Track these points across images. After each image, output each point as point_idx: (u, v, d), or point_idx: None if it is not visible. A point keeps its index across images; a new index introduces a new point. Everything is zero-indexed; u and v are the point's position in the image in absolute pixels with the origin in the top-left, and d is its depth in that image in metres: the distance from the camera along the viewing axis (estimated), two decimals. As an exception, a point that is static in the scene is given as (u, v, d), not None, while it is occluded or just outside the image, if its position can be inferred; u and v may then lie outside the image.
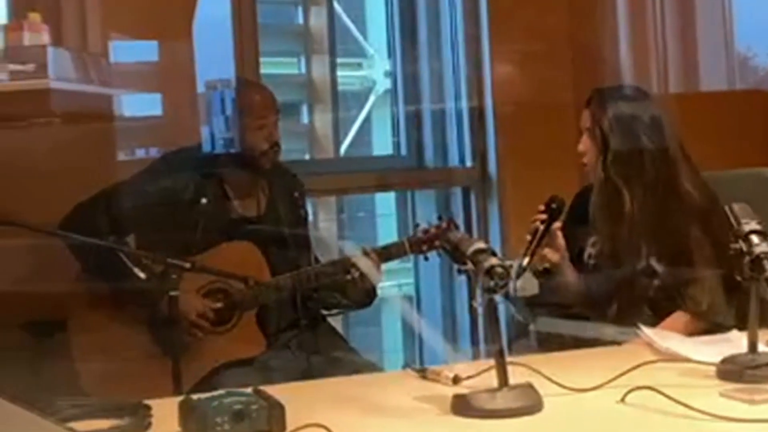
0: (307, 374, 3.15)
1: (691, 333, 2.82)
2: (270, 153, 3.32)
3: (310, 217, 3.74)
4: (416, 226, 3.37)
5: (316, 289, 3.32)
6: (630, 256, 2.98)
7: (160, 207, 3.23)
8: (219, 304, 3.21)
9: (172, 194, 3.25)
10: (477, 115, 4.53)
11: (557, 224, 2.96)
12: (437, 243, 3.20)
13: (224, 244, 3.25)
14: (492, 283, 2.08)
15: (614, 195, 2.99)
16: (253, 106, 3.36)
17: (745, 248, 2.29)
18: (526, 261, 2.88)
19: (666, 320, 2.91)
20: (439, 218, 3.38)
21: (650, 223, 2.97)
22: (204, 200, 3.27)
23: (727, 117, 4.35)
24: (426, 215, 4.48)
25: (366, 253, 3.26)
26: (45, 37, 3.25)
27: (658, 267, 2.97)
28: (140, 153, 3.82)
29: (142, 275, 2.93)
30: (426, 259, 3.38)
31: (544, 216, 2.95)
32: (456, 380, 2.33)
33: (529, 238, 2.93)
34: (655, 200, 2.98)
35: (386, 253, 3.32)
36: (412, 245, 3.32)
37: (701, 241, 2.93)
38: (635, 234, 2.97)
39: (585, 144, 3.05)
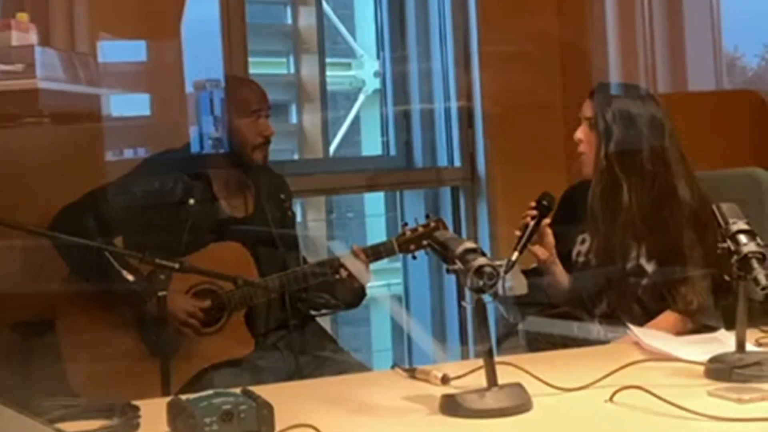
0: (296, 374, 3.14)
1: (679, 333, 2.83)
2: (263, 147, 3.32)
3: (299, 218, 3.74)
4: (404, 225, 3.37)
5: (305, 289, 3.31)
6: (624, 251, 2.99)
7: (148, 208, 3.22)
8: (207, 302, 3.20)
9: (159, 195, 3.25)
10: (466, 116, 4.53)
11: (547, 221, 2.96)
12: (425, 242, 3.20)
13: (212, 244, 3.24)
14: (481, 283, 2.08)
15: (613, 186, 3.00)
16: (246, 100, 3.37)
17: (733, 247, 2.30)
18: (515, 256, 2.88)
19: (655, 319, 2.92)
20: (427, 217, 3.38)
21: (645, 219, 2.98)
22: (192, 201, 3.26)
23: (715, 117, 4.36)
24: (415, 215, 4.48)
25: (355, 254, 3.26)
26: (33, 37, 3.23)
27: (648, 265, 2.98)
28: (129, 153, 3.81)
29: (129, 278, 2.93)
30: (414, 258, 3.38)
31: (534, 212, 2.96)
32: (445, 380, 2.33)
33: (518, 233, 2.94)
34: (650, 197, 2.99)
35: (375, 253, 3.32)
36: (401, 245, 3.32)
37: (693, 242, 2.94)
38: (631, 228, 2.98)
39: (584, 132, 3.06)
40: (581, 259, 3.07)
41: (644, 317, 2.93)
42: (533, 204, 2.96)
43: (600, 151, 3.01)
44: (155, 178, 3.29)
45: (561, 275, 3.03)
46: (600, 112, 3.03)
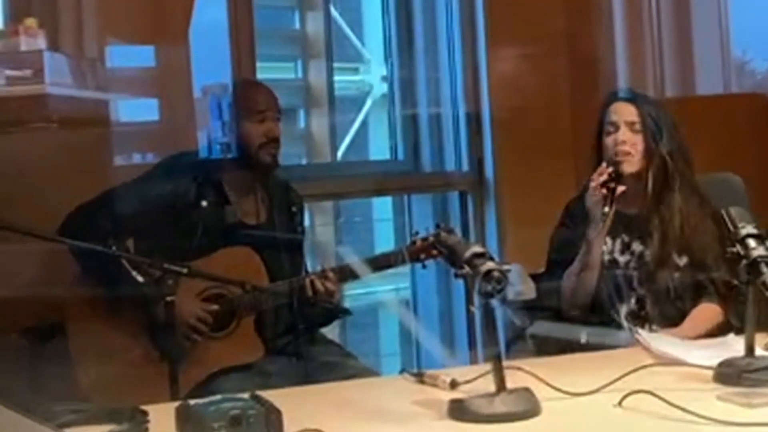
0: (305, 379, 3.14)
1: (718, 324, 2.84)
2: (269, 147, 3.31)
3: (306, 222, 3.73)
4: (415, 234, 3.35)
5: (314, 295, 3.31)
6: (670, 253, 3.01)
7: (162, 209, 3.22)
8: (215, 307, 3.20)
9: (172, 197, 3.25)
10: (474, 119, 4.53)
11: (622, 188, 2.98)
12: (435, 252, 3.19)
13: (223, 248, 3.24)
14: (489, 287, 2.08)
15: (665, 189, 3.03)
16: (253, 101, 3.36)
17: (742, 252, 2.30)
18: (606, 209, 2.93)
19: (692, 313, 2.94)
20: (437, 227, 3.37)
21: (687, 220, 3.02)
22: (204, 203, 3.26)
23: (724, 121, 4.35)
24: (423, 220, 4.49)
25: (324, 274, 3.23)
26: (41, 42, 3.24)
27: (680, 260, 3.01)
28: (137, 158, 3.81)
29: (140, 279, 2.92)
30: (423, 267, 3.36)
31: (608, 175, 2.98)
32: (453, 384, 2.33)
33: (604, 191, 2.95)
34: (688, 197, 3.04)
35: (384, 261, 3.31)
36: (411, 254, 3.31)
37: (716, 239, 2.95)
38: (684, 233, 3.01)
39: (627, 136, 3.05)
40: (606, 257, 3.06)
41: (678, 315, 2.95)
42: (606, 175, 2.97)
43: (653, 154, 3.03)
44: (169, 181, 3.28)
45: (596, 263, 3.02)
46: (647, 114, 3.05)
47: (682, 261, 3.01)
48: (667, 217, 3.02)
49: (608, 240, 3.07)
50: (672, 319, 2.96)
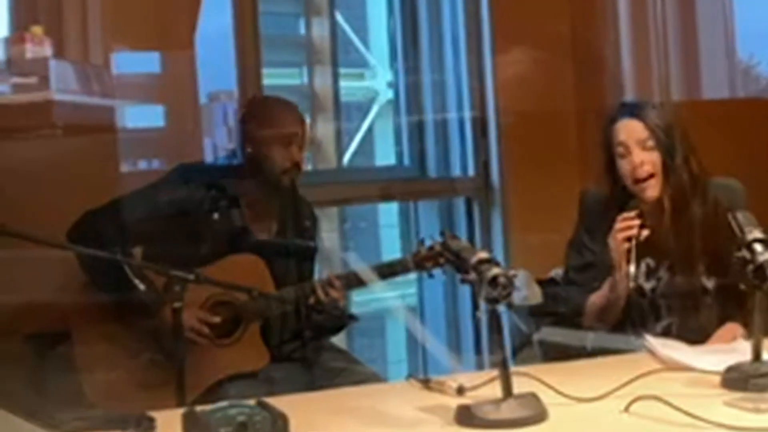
0: (311, 386, 3.14)
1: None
2: (290, 173, 3.28)
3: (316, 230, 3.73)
4: (420, 242, 3.33)
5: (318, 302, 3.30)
6: (704, 278, 2.91)
7: (172, 222, 3.21)
8: (217, 319, 3.19)
9: (186, 206, 3.23)
10: (479, 125, 4.53)
11: (646, 232, 2.85)
12: (441, 260, 3.17)
13: (230, 255, 3.24)
14: (495, 293, 2.08)
15: (683, 204, 2.91)
16: (282, 123, 3.30)
17: (748, 257, 2.29)
18: (632, 268, 2.82)
19: (716, 333, 2.83)
20: (443, 234, 3.35)
21: (705, 233, 2.92)
22: (216, 216, 3.24)
23: (730, 125, 4.34)
24: (429, 225, 4.49)
25: (330, 282, 3.22)
26: (47, 50, 3.26)
27: (709, 282, 2.91)
28: (143, 165, 3.82)
29: (141, 286, 2.91)
30: (431, 276, 3.34)
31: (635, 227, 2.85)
32: (460, 390, 2.33)
33: (627, 246, 2.82)
34: (704, 209, 2.94)
35: (390, 270, 3.30)
36: (417, 262, 3.29)
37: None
38: (705, 247, 2.90)
39: (641, 156, 2.90)
40: (630, 284, 2.92)
41: (705, 341, 2.83)
42: (633, 220, 2.83)
43: (670, 171, 2.90)
44: (183, 189, 3.27)
45: (623, 293, 2.89)
46: (655, 127, 2.91)
47: (711, 283, 2.90)
48: (690, 232, 2.90)
49: (632, 265, 2.90)
50: (699, 344, 2.82)
